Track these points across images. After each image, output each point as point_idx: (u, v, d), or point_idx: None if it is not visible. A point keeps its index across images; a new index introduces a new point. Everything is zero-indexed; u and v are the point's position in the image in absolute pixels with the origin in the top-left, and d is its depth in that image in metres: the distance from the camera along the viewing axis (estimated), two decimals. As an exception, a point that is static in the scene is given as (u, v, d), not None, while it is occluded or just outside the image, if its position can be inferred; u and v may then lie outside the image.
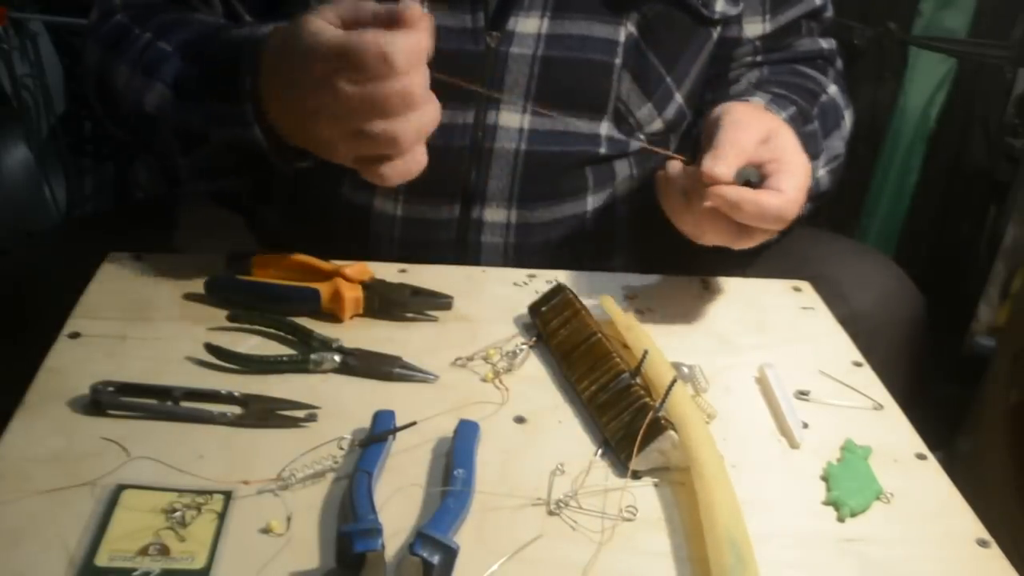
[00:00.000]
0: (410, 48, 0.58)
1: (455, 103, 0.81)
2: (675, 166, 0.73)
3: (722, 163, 0.68)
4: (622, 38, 0.82)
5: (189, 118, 0.72)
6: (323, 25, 0.60)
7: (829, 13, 0.96)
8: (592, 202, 0.87)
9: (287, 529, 0.52)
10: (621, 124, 0.85)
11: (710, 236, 0.72)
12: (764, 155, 0.71)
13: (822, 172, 0.87)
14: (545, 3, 0.81)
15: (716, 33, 0.89)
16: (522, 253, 0.86)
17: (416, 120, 0.60)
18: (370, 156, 0.62)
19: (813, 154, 0.83)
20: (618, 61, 0.83)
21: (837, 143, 0.89)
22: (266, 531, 0.52)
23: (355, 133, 0.60)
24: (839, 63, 0.98)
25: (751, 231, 0.70)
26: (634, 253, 0.92)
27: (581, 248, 0.88)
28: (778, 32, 0.92)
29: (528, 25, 0.81)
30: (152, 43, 0.76)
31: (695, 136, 0.85)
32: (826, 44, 0.96)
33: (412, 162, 0.63)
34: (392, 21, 0.60)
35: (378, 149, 0.61)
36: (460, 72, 0.80)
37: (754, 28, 0.91)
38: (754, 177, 0.70)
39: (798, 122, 0.82)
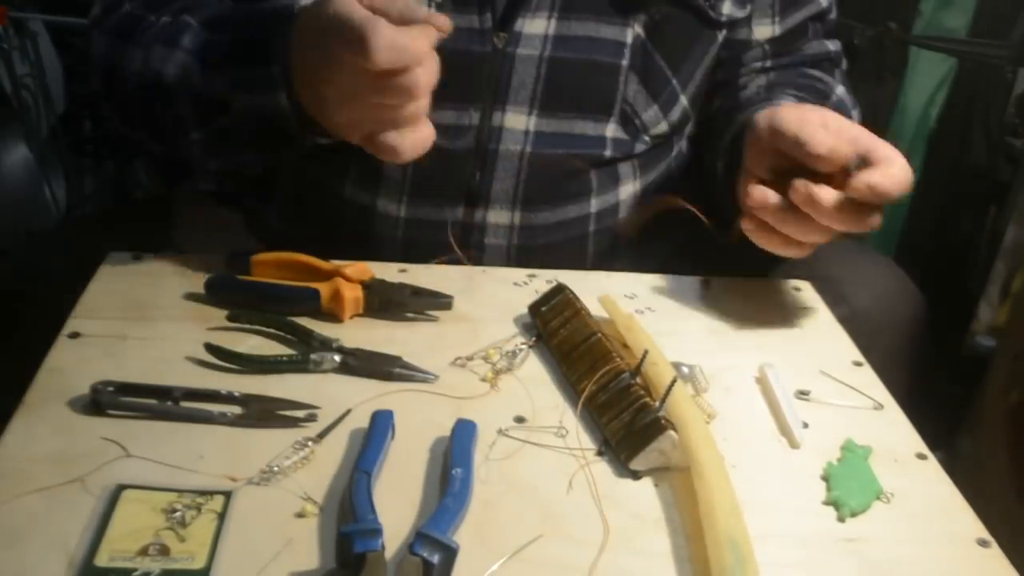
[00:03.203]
0: (395, 41, 0.59)
1: (460, 104, 0.81)
2: (760, 191, 0.71)
3: (830, 143, 0.68)
4: (629, 39, 0.82)
5: (212, 84, 0.72)
6: (346, 3, 0.61)
7: (833, 15, 0.96)
8: (596, 205, 0.87)
9: (287, 529, 0.52)
10: (627, 126, 0.85)
11: (825, 233, 0.70)
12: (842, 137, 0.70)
13: None
14: (552, 4, 0.81)
15: (721, 36, 0.89)
16: (525, 255, 0.86)
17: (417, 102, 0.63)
18: (377, 134, 0.65)
19: None
20: (625, 62, 0.83)
21: None
22: (266, 531, 0.52)
23: (363, 109, 0.63)
24: (844, 63, 0.98)
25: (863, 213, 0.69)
26: (637, 256, 0.92)
27: (584, 250, 0.88)
28: (787, 35, 0.92)
29: (535, 26, 0.81)
30: (172, 21, 0.76)
31: (724, 147, 0.84)
32: (832, 46, 0.96)
33: (421, 137, 0.65)
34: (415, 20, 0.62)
35: (382, 127, 0.64)
36: (466, 73, 0.80)
37: (764, 30, 0.91)
38: (856, 161, 0.68)
39: None
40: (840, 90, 0.92)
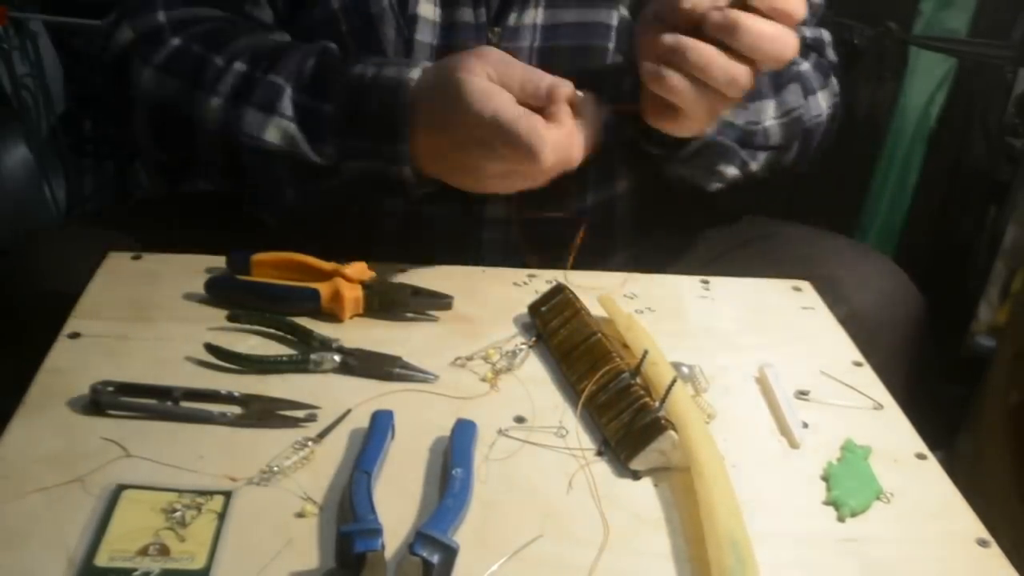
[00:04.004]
0: (558, 143, 0.65)
1: None
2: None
3: None
4: (615, 22, 0.82)
5: (321, 153, 0.74)
6: (483, 88, 0.66)
7: (820, 2, 0.94)
8: (592, 199, 0.87)
9: (288, 529, 0.52)
10: None
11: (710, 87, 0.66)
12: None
13: (771, 122, 0.85)
14: None
15: None
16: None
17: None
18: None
19: (754, 94, 0.78)
20: (611, 45, 0.83)
21: (793, 98, 0.86)
22: (266, 531, 0.52)
23: (520, 179, 0.70)
24: (829, 53, 0.96)
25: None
26: (633, 251, 0.92)
27: (581, 245, 0.88)
28: None
29: (526, 18, 0.81)
30: (253, 75, 0.76)
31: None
32: (809, 32, 0.93)
33: None
34: (539, 95, 0.67)
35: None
36: None
37: None
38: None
39: None
40: (804, 66, 0.89)
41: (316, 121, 0.74)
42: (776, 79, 0.85)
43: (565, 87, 0.67)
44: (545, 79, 0.67)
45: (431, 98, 0.70)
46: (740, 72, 0.65)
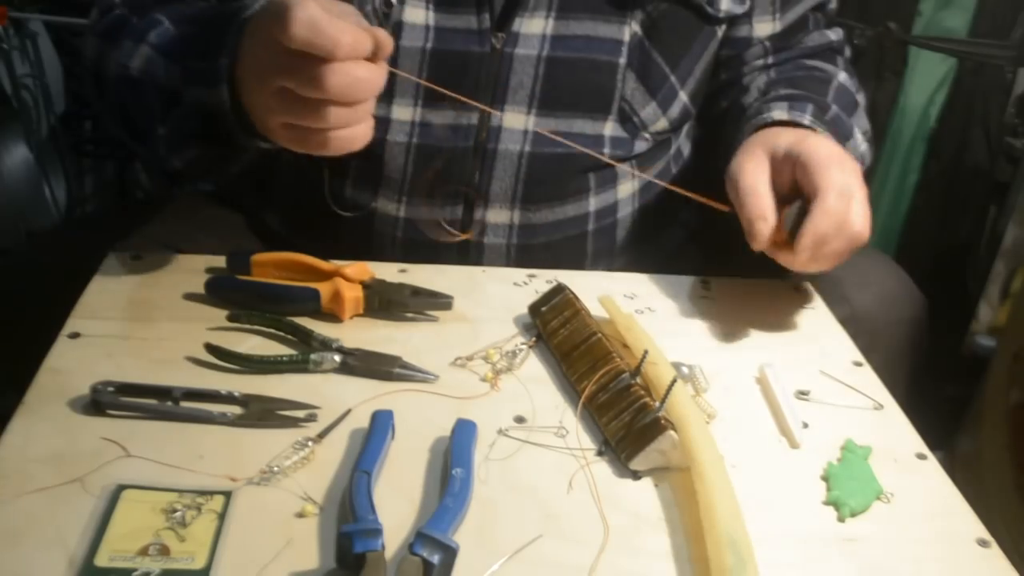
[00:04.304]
0: (319, 17, 0.56)
1: (460, 105, 0.81)
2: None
3: (760, 224, 0.71)
4: (627, 37, 0.82)
5: (168, 76, 0.71)
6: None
7: (833, 4, 0.96)
8: (595, 203, 0.87)
9: (288, 529, 0.52)
10: (625, 124, 0.85)
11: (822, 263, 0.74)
12: (785, 174, 0.73)
13: (864, 147, 0.87)
14: (550, 4, 0.81)
15: (721, 32, 0.89)
16: (524, 254, 0.86)
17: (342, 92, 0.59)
18: (301, 128, 0.62)
19: (846, 135, 0.83)
20: (623, 61, 0.83)
21: (863, 120, 0.90)
22: (266, 531, 0.52)
23: (273, 94, 0.60)
24: (847, 51, 0.98)
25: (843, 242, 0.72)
26: (635, 254, 0.92)
27: (583, 249, 0.88)
28: (788, 30, 0.92)
29: (533, 26, 0.81)
30: (145, 19, 0.76)
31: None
32: (834, 35, 0.96)
33: (352, 135, 0.62)
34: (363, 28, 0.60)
35: (304, 119, 0.61)
36: (465, 73, 0.80)
37: (764, 27, 0.91)
38: (792, 212, 0.71)
39: (819, 116, 0.82)
40: (842, 76, 0.91)
41: (171, 46, 0.72)
42: (848, 109, 0.87)
43: (389, 39, 0.60)
44: (374, 30, 0.60)
45: (261, 18, 0.64)
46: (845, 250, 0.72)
